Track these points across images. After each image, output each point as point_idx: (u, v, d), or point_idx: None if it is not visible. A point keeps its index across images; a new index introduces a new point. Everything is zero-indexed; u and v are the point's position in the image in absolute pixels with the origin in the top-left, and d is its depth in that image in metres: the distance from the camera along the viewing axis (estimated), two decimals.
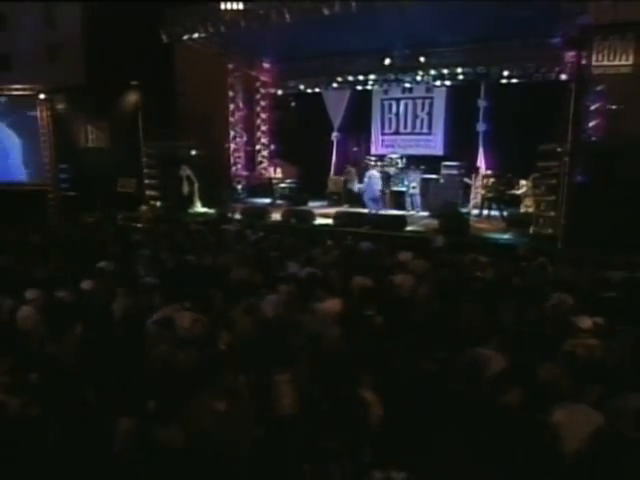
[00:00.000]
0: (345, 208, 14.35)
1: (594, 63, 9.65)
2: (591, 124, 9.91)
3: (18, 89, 15.92)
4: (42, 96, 15.71)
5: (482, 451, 3.37)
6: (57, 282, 6.44)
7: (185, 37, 13.07)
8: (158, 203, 15.18)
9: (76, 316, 5.24)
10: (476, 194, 13.63)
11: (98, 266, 7.23)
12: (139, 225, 13.14)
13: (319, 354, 4.23)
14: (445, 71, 14.54)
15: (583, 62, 10.00)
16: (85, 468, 2.94)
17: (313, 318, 5.03)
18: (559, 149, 10.41)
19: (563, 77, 12.28)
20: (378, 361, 4.14)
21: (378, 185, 13.86)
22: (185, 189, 15.36)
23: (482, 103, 14.47)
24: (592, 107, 9.82)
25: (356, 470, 2.96)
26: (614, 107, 9.63)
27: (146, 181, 15.30)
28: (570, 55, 11.31)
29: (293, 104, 17.73)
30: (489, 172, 13.79)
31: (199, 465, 3.05)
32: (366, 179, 13.96)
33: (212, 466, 3.07)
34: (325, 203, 15.64)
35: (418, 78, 15.11)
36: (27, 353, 4.51)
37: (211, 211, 14.96)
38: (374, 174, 13.92)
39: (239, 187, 17.46)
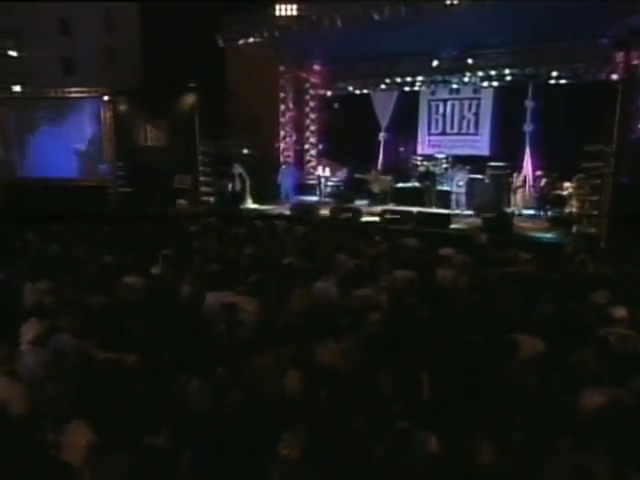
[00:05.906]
0: (391, 206, 14.67)
1: None
2: None
3: (83, 91, 16.92)
4: (105, 98, 16.66)
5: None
6: (128, 268, 7.12)
7: (241, 42, 13.71)
8: (211, 199, 15.99)
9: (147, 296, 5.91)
10: (520, 194, 13.69)
11: (162, 254, 7.85)
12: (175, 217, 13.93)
13: (365, 333, 4.66)
14: (493, 72, 14.68)
15: (633, 62, 10.04)
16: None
17: (360, 303, 5.47)
18: (607, 149, 10.43)
19: (614, 77, 12.13)
20: (422, 343, 4.51)
21: (292, 178, 17.12)
22: (237, 186, 16.17)
23: (530, 104, 14.47)
24: None
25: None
26: None
27: (201, 178, 16.09)
28: (621, 55, 11.26)
29: (340, 105, 18.20)
30: (534, 172, 13.85)
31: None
32: (280, 174, 16.93)
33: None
34: (371, 201, 15.84)
35: (465, 79, 15.31)
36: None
37: (262, 207, 15.67)
38: (287, 169, 17.15)
39: None
